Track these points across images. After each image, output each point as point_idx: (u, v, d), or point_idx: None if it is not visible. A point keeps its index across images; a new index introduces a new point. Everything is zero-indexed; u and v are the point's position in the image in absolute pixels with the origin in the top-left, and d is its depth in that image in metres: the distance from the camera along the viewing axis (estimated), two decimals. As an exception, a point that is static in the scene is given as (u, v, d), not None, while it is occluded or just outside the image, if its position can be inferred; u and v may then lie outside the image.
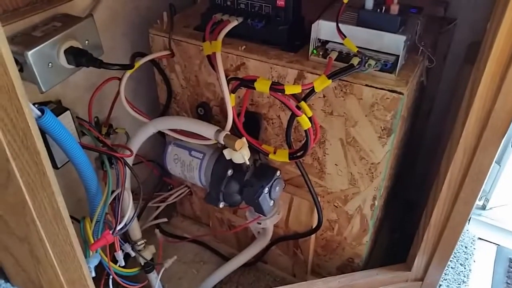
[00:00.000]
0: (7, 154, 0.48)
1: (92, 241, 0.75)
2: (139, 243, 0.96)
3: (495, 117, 0.66)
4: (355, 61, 0.68)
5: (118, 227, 0.78)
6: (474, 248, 1.20)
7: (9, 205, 0.53)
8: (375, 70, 0.70)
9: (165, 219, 1.13)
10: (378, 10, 0.69)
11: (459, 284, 1.11)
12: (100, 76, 0.85)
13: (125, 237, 0.97)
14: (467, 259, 1.17)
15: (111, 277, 0.85)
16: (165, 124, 0.85)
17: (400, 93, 0.68)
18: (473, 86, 0.65)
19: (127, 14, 0.92)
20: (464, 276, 1.13)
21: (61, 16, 0.76)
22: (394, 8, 0.68)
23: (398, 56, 0.69)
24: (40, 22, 0.73)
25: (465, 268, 1.15)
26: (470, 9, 0.92)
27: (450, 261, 1.16)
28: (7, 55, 0.43)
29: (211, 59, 0.78)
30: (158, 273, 1.00)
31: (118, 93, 0.84)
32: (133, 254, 0.93)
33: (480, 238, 1.24)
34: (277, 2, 0.76)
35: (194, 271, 1.13)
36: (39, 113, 0.61)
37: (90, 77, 0.85)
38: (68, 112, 0.77)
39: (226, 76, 0.76)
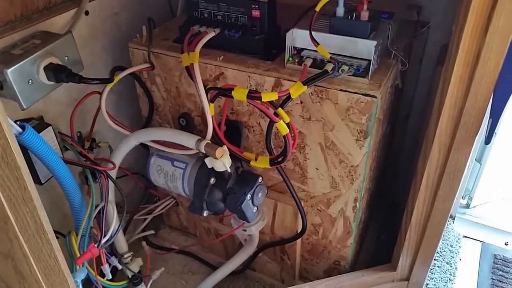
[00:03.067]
0: (-13, 170, 0.48)
1: (78, 255, 0.76)
2: (125, 256, 0.96)
3: (466, 115, 0.68)
4: (329, 67, 0.70)
5: (103, 240, 0.78)
6: (460, 246, 1.22)
7: (-9, 221, 0.53)
8: (349, 75, 0.72)
9: (152, 231, 1.13)
10: (349, 17, 0.71)
11: (446, 282, 1.12)
12: (81, 91, 0.86)
13: (112, 250, 0.98)
14: (453, 257, 1.19)
15: (98, 291, 0.85)
16: (146, 136, 0.85)
17: (374, 96, 0.70)
18: (444, 87, 0.68)
19: (107, 29, 0.93)
20: (451, 274, 1.14)
21: (40, 33, 0.77)
22: (364, 15, 0.70)
23: (370, 60, 0.71)
24: (19, 40, 0.74)
25: (451, 266, 1.16)
26: (441, 13, 0.95)
27: (436, 260, 1.18)
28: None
29: (189, 70, 0.80)
30: (146, 286, 1.00)
31: (99, 107, 0.85)
32: (120, 267, 0.93)
33: (465, 236, 1.26)
34: (253, 13, 0.78)
35: (183, 282, 1.13)
36: (20, 129, 0.62)
37: (71, 93, 0.86)
38: (50, 127, 0.78)
39: (205, 86, 0.78)
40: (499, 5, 0.56)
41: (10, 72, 0.67)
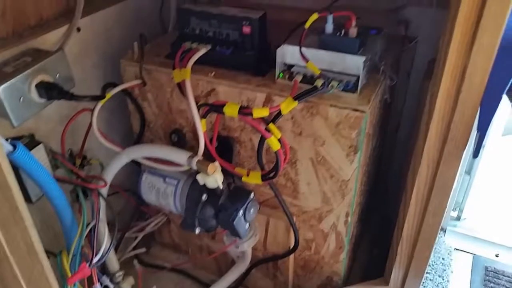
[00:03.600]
0: (-23, 190, 0.48)
1: (70, 275, 0.75)
2: (117, 274, 0.95)
3: (454, 129, 0.69)
4: (318, 83, 0.71)
5: (95, 260, 0.78)
6: (451, 259, 1.23)
7: (-20, 242, 0.52)
8: (338, 91, 0.73)
9: (144, 249, 1.12)
10: (338, 33, 0.73)
11: (439, 296, 1.13)
12: (72, 108, 0.86)
13: (103, 269, 0.96)
14: (444, 270, 1.19)
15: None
16: (138, 152, 0.85)
17: (363, 111, 0.71)
18: (431, 101, 0.69)
19: (99, 45, 0.93)
20: (443, 287, 1.15)
21: (31, 50, 0.77)
22: (353, 31, 0.72)
23: (358, 76, 0.72)
24: (11, 58, 0.74)
25: (443, 279, 1.17)
26: (429, 27, 0.97)
27: (428, 273, 1.18)
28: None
29: (181, 86, 0.80)
30: (138, 304, 0.99)
31: (91, 124, 0.85)
32: (111, 286, 0.92)
33: (456, 249, 1.27)
34: (243, 29, 0.79)
35: (175, 300, 1.12)
36: (11, 148, 0.61)
37: (63, 110, 0.86)
38: (41, 145, 0.77)
39: (197, 102, 0.78)
40: (483, 23, 0.58)
41: (1, 90, 0.67)
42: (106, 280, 0.90)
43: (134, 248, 1.10)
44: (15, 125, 0.71)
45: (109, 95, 0.84)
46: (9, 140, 0.62)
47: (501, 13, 0.57)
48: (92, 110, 0.84)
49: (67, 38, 0.84)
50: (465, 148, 0.71)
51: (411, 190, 0.78)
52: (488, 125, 0.69)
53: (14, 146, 0.61)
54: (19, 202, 0.52)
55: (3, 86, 0.67)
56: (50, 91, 0.73)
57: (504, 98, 0.67)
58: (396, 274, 0.92)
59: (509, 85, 0.65)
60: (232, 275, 1.03)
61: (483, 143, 1.17)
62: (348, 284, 0.99)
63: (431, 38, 0.97)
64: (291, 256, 0.98)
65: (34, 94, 0.73)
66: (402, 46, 0.95)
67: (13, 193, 0.51)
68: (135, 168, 0.99)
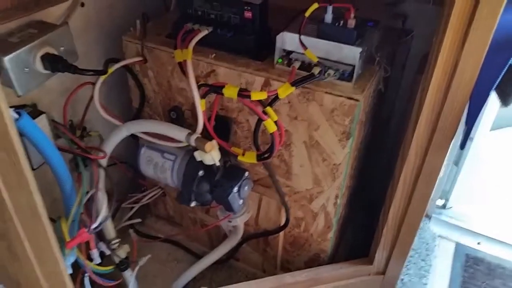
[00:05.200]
0: (-14, 154, 0.50)
1: (68, 240, 0.78)
2: (113, 242, 0.99)
3: (443, 121, 0.72)
4: (316, 70, 0.73)
5: (93, 226, 0.81)
6: (435, 245, 1.28)
7: (-14, 203, 0.55)
8: (334, 79, 0.75)
9: (139, 220, 1.16)
10: (337, 23, 0.75)
11: (420, 278, 1.18)
12: (74, 81, 0.87)
13: (99, 236, 1.00)
14: (428, 255, 1.25)
15: (87, 274, 0.88)
16: (138, 127, 0.88)
17: (357, 100, 0.74)
18: (422, 95, 0.72)
19: (101, 21, 0.95)
20: (425, 271, 1.20)
21: (36, 23, 0.78)
22: (351, 22, 0.74)
23: (354, 66, 0.74)
24: (16, 29, 0.75)
25: (426, 263, 1.22)
26: (425, 23, 0.99)
27: (412, 256, 1.23)
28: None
29: (182, 66, 0.82)
30: (132, 271, 1.03)
31: (92, 97, 0.87)
32: (108, 252, 0.96)
33: (440, 236, 1.32)
34: (245, 14, 0.80)
35: (168, 269, 1.17)
36: (16, 116, 0.63)
37: (65, 82, 0.88)
38: (43, 115, 0.79)
39: (197, 82, 0.81)
40: (475, 23, 0.60)
41: (7, 59, 0.69)
42: (103, 246, 0.94)
43: (130, 218, 1.14)
44: (19, 94, 0.73)
45: (111, 70, 0.86)
46: (13, 109, 0.64)
47: (493, 14, 0.59)
48: (94, 84, 0.86)
49: (71, 12, 0.85)
50: (452, 139, 0.74)
51: (399, 176, 0.82)
52: (476, 119, 0.72)
53: (19, 115, 0.64)
54: (25, 167, 0.55)
55: (9, 56, 0.69)
56: (55, 63, 0.75)
57: (493, 93, 0.70)
58: (380, 255, 0.96)
59: (497, 82, 0.68)
60: (224, 248, 1.07)
61: (470, 136, 1.21)
62: (334, 262, 1.04)
63: (426, 33, 0.99)
64: (281, 233, 1.03)
65: (38, 66, 0.74)
66: (398, 39, 0.97)
67: (19, 159, 0.53)
68: (131, 141, 1.01)
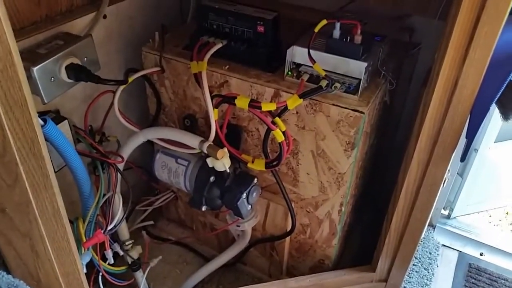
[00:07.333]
0: (16, 159, 0.54)
1: (85, 240, 0.82)
2: (127, 243, 1.03)
3: (444, 135, 0.75)
4: (323, 83, 0.77)
5: (109, 227, 0.85)
6: (438, 254, 1.30)
7: (14, 204, 0.59)
8: (340, 92, 0.79)
9: (152, 222, 1.20)
10: (344, 39, 0.79)
11: (422, 286, 1.20)
12: (94, 89, 0.92)
13: (113, 237, 1.04)
14: (430, 264, 1.26)
15: (100, 274, 0.92)
16: (154, 134, 0.93)
17: (362, 112, 0.78)
18: (424, 108, 0.75)
19: (122, 32, 1.00)
20: (427, 280, 1.22)
21: (62, 34, 0.84)
22: (358, 38, 0.78)
23: (360, 79, 0.78)
24: (43, 40, 0.80)
25: (428, 272, 1.24)
26: (431, 36, 1.02)
27: (415, 265, 1.25)
28: (22, 75, 0.51)
29: (197, 77, 0.87)
30: (144, 272, 1.07)
31: (111, 104, 0.92)
32: (121, 253, 1.00)
33: (444, 245, 1.34)
34: (258, 28, 0.85)
35: (177, 271, 1.20)
36: (42, 122, 0.68)
37: (86, 90, 0.93)
38: (66, 121, 0.84)
39: (211, 93, 0.85)
40: (475, 41, 0.64)
41: (36, 70, 0.74)
42: (117, 247, 0.98)
43: (143, 221, 1.18)
44: (45, 102, 0.78)
45: (131, 79, 0.90)
46: (38, 115, 0.68)
47: (492, 33, 0.62)
48: (114, 93, 0.91)
49: (94, 24, 0.90)
50: (453, 152, 0.77)
51: (401, 186, 0.85)
52: (476, 132, 0.75)
53: (45, 121, 0.68)
54: (50, 171, 0.58)
55: (37, 66, 0.74)
56: (79, 73, 0.80)
57: (493, 106, 0.73)
58: (382, 263, 0.99)
59: (497, 97, 0.70)
60: (232, 252, 1.11)
61: (475, 147, 1.24)
62: (338, 268, 1.07)
63: (433, 47, 1.02)
64: (287, 238, 1.06)
65: (63, 75, 0.79)
66: (406, 51, 1.00)
67: (46, 163, 0.57)
68: (147, 147, 1.06)
